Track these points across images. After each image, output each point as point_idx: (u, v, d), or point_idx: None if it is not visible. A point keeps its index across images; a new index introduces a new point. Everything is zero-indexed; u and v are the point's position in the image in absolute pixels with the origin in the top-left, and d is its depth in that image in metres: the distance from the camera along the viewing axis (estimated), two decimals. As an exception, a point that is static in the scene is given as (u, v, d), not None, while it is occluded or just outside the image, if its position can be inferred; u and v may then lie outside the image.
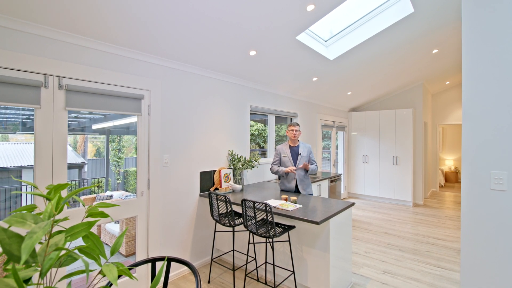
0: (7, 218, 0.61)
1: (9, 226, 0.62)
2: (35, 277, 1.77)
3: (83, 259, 0.62)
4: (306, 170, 3.09)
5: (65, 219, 0.70)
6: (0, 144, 7.32)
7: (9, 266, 0.60)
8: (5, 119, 3.77)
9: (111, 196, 4.91)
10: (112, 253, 0.70)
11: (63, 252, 0.68)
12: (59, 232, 0.73)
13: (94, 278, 0.69)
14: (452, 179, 9.28)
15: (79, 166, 8.61)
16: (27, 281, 0.61)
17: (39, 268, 0.59)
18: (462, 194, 1.76)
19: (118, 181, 8.18)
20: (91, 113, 5.85)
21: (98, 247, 0.75)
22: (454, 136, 9.47)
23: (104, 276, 0.62)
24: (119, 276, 1.27)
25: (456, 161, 9.48)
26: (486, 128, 1.67)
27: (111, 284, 1.32)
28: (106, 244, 4.51)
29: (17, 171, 6.42)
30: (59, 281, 0.67)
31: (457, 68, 5.45)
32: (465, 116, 1.75)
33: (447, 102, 7.30)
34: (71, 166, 8.63)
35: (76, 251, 0.74)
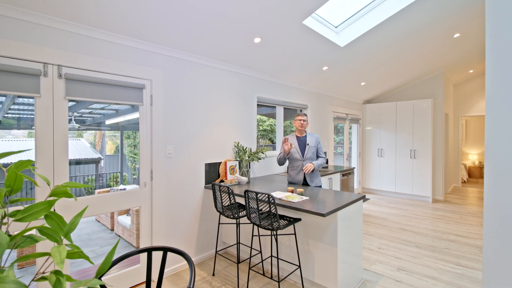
0: None
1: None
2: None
3: (1, 233, 0.55)
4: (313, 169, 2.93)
5: (18, 197, 0.64)
6: (26, 141, 7.71)
7: None
8: (32, 116, 3.86)
9: (124, 189, 5.00)
10: (66, 234, 0.63)
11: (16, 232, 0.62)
12: (17, 211, 0.68)
13: (46, 261, 0.63)
14: (476, 174, 8.75)
15: (96, 161, 8.90)
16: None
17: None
18: (485, 187, 1.58)
19: (134, 176, 8.36)
20: (104, 108, 5.98)
21: (62, 228, 0.69)
22: (478, 128, 8.89)
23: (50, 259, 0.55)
24: (114, 264, 1.21)
25: (480, 155, 8.91)
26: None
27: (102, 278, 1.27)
28: (118, 235, 4.60)
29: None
30: (13, 263, 0.62)
31: (481, 55, 5.05)
32: (489, 102, 1.56)
33: (470, 92, 6.84)
34: (88, 161, 8.95)
35: (36, 232, 0.68)
